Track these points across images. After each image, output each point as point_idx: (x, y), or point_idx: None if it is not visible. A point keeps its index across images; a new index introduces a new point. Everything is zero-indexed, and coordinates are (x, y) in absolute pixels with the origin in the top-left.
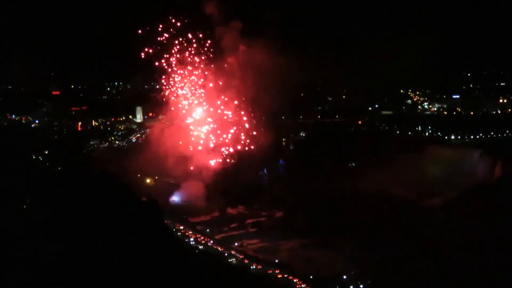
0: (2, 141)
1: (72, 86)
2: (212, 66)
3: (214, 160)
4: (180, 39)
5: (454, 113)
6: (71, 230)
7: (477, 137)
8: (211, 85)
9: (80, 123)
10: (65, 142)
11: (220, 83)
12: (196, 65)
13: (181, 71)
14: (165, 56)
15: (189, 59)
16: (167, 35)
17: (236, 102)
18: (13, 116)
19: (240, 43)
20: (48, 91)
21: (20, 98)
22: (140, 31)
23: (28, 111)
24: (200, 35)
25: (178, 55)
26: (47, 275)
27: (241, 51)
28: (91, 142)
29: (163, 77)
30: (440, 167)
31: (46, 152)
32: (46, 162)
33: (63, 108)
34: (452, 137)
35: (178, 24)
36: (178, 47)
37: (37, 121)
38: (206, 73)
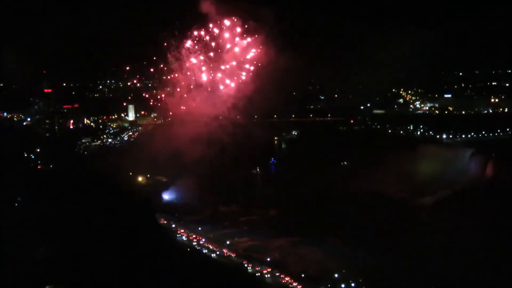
0: None
1: (64, 84)
2: (207, 64)
3: (207, 159)
4: (175, 37)
5: (446, 112)
6: (63, 228)
7: (469, 136)
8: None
9: (72, 121)
10: (56, 140)
11: (214, 82)
12: (191, 62)
13: (175, 69)
14: (159, 54)
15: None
16: (161, 33)
17: (231, 101)
18: (5, 113)
19: (235, 41)
20: (40, 89)
21: (12, 95)
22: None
23: (20, 109)
24: (195, 33)
25: (172, 53)
26: (38, 274)
27: (235, 49)
28: (83, 140)
29: (157, 75)
30: (432, 166)
31: (38, 150)
32: (37, 160)
33: (55, 106)
34: (444, 136)
35: (173, 22)
36: (172, 44)
37: (29, 119)
38: (201, 70)
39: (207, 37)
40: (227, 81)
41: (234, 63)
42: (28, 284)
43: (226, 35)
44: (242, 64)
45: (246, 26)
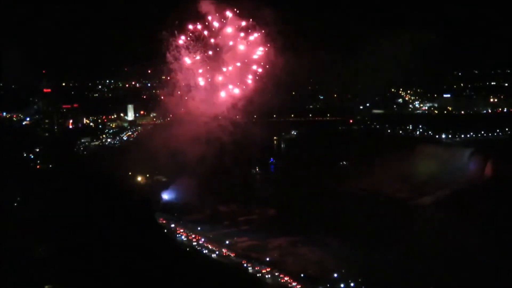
0: None
1: (64, 84)
2: (207, 65)
3: (206, 158)
4: (175, 36)
5: (445, 112)
6: (62, 228)
7: (468, 136)
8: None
9: (71, 121)
10: (56, 140)
11: (215, 85)
12: (191, 62)
13: (175, 69)
14: (159, 54)
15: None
16: (161, 33)
17: (231, 101)
18: (4, 113)
19: (235, 40)
20: (39, 89)
21: (11, 95)
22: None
23: (19, 109)
24: (191, 26)
25: (171, 52)
26: (38, 274)
27: (235, 48)
28: (82, 140)
29: (156, 75)
30: (431, 166)
31: (37, 150)
32: (37, 160)
33: (54, 106)
34: (443, 136)
35: (172, 21)
36: (172, 44)
37: (28, 119)
38: (201, 72)
39: (205, 32)
40: (230, 86)
41: (238, 64)
42: (28, 284)
43: (229, 30)
44: (247, 66)
45: (251, 20)
